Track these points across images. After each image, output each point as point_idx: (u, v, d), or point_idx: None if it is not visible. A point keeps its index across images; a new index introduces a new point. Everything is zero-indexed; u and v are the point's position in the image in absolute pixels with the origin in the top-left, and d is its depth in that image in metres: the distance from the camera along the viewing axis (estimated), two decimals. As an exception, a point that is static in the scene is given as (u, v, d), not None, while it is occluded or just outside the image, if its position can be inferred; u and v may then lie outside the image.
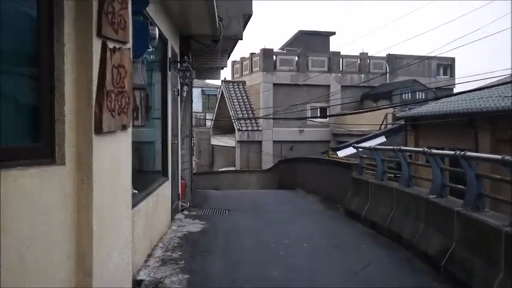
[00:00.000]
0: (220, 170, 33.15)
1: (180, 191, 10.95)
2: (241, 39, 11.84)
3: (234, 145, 32.62)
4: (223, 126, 35.15)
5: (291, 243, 8.12)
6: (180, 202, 10.99)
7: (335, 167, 13.69)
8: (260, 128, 32.15)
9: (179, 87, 10.77)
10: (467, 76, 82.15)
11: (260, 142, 32.22)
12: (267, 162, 31.12)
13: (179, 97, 10.78)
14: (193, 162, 36.72)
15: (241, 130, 31.82)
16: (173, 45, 9.83)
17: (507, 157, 5.42)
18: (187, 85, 11.19)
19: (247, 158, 32.18)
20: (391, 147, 9.79)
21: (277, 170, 23.39)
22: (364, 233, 9.12)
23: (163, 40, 8.80)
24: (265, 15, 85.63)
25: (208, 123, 38.38)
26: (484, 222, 5.60)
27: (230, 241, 8.25)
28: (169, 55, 9.22)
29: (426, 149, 8.08)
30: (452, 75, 36.86)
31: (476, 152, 14.84)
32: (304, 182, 17.00)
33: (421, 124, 18.12)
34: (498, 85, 13.55)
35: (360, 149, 12.08)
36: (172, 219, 9.83)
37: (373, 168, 11.03)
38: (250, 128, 32.13)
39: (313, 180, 16.11)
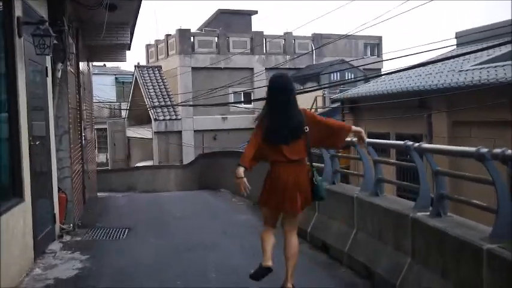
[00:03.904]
0: (136, 165, 29.95)
1: (57, 210, 7.88)
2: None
3: (151, 137, 29.39)
4: (139, 116, 31.77)
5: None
6: (58, 225, 7.93)
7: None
8: (179, 117, 29.08)
9: (48, 65, 7.64)
10: (394, 51, 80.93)
11: (180, 132, 29.16)
12: (189, 154, 28.14)
13: (48, 78, 7.64)
14: (107, 157, 33.29)
15: (158, 120, 28.62)
16: (31, 2, 6.70)
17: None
18: (62, 62, 8.07)
19: (166, 150, 29.09)
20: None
21: (198, 166, 20.42)
22: (315, 261, 6.45)
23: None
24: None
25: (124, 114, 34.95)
26: None
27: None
28: (19, 13, 6.10)
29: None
30: (380, 54, 35.15)
31: (431, 138, 12.69)
32: (230, 181, 14.19)
33: (360, 106, 15.71)
34: (449, 58, 11.26)
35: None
36: (42, 253, 6.82)
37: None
38: (168, 117, 28.99)
39: (240, 178, 13.28)
